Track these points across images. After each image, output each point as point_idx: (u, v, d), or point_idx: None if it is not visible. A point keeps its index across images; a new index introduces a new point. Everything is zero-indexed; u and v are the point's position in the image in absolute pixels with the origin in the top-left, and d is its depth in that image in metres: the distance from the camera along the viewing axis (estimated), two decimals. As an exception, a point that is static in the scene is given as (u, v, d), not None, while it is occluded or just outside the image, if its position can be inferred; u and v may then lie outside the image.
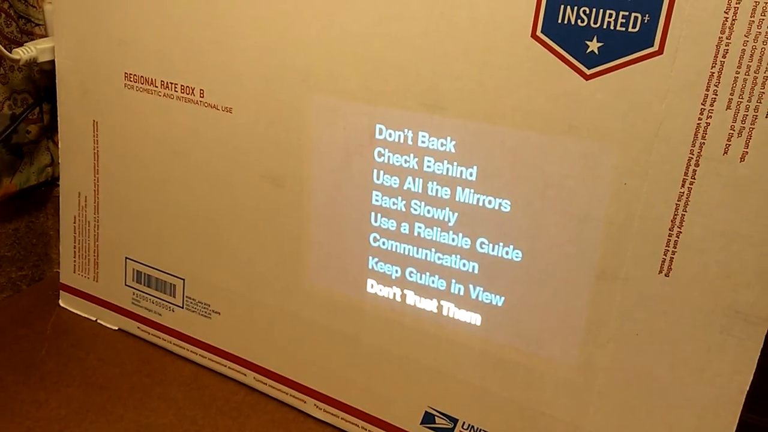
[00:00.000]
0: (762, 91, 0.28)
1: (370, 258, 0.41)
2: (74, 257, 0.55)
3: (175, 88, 0.45)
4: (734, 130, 0.29)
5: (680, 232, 0.31)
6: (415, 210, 0.39)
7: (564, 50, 0.32)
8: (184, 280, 0.50)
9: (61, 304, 0.57)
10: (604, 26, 0.31)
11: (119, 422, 0.45)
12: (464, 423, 0.40)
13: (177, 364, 0.51)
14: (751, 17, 0.28)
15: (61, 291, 0.57)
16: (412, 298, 0.40)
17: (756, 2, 0.28)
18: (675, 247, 0.32)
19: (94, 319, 0.56)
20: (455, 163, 0.37)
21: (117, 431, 0.44)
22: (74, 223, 0.54)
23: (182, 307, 0.50)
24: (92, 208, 0.53)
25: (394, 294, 0.41)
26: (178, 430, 0.45)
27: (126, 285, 0.53)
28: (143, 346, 0.53)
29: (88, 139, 0.51)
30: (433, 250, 0.39)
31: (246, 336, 0.48)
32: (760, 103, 0.28)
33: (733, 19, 0.28)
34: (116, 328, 0.55)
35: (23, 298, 0.59)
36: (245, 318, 0.47)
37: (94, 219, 0.53)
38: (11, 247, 0.58)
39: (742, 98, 0.29)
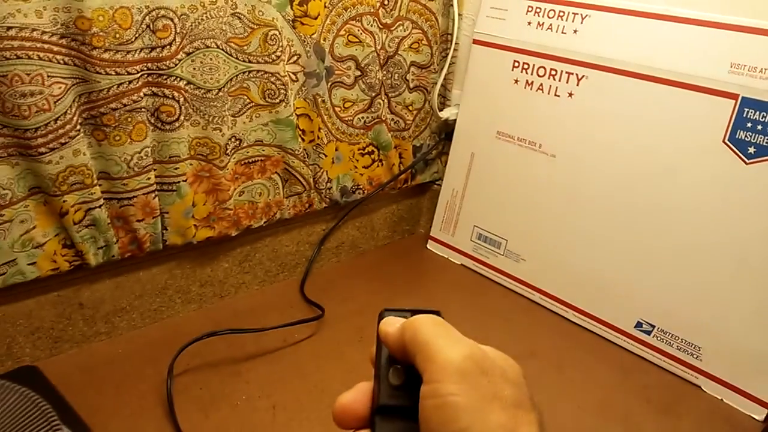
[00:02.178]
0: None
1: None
2: (442, 222, 1.02)
3: (525, 141, 0.89)
4: (814, 196, 0.65)
5: (783, 241, 0.67)
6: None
7: (737, 150, 0.70)
8: (506, 240, 0.93)
9: (428, 248, 1.05)
10: (757, 142, 0.68)
11: (462, 320, 0.90)
12: (658, 327, 0.78)
13: (495, 287, 0.95)
14: (827, 147, 0.64)
15: (429, 240, 1.05)
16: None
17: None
18: (780, 248, 0.67)
19: (446, 257, 1.02)
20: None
21: (462, 318, 0.89)
22: (446, 204, 1.01)
23: (503, 255, 0.94)
24: (459, 198, 0.99)
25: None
26: (501, 317, 0.88)
27: (471, 240, 0.98)
28: (476, 276, 0.98)
29: (466, 161, 0.98)
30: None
31: (537, 273, 0.90)
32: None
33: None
34: (459, 263, 1.00)
35: (405, 241, 1.08)
36: (537, 264, 0.90)
37: (459, 203, 0.99)
38: (406, 212, 1.07)
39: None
